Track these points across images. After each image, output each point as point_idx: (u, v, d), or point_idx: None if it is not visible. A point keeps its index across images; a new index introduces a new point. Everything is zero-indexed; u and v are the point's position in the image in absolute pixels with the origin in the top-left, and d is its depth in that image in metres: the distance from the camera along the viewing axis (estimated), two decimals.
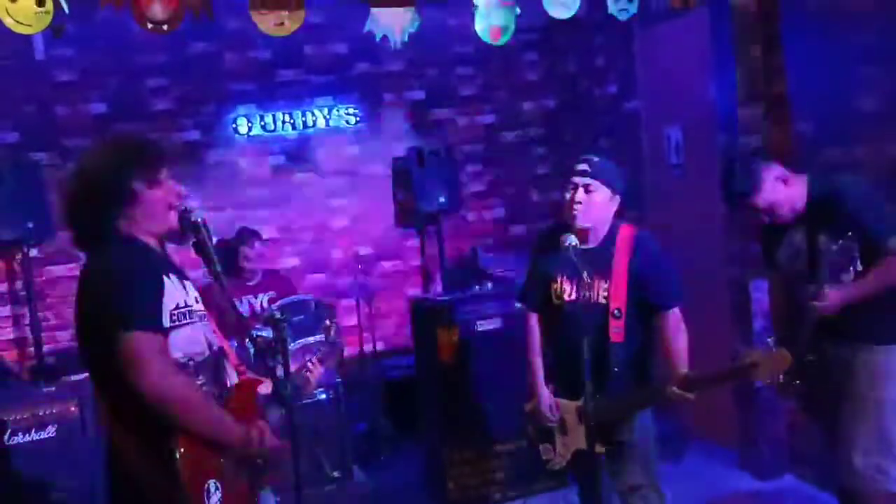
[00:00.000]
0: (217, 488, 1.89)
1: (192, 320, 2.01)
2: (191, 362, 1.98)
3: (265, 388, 2.19)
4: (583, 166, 2.65)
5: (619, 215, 2.74)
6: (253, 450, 1.99)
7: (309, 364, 2.35)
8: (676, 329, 2.63)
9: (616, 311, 2.60)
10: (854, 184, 2.70)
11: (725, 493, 3.80)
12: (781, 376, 2.26)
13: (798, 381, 2.87)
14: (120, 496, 1.95)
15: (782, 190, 2.73)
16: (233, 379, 2.16)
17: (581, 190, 2.62)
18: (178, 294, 1.98)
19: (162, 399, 1.80)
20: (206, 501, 1.86)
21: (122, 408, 1.87)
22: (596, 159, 2.67)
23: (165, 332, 1.90)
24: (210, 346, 2.08)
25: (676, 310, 2.65)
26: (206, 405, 1.92)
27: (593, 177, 2.63)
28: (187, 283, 2.06)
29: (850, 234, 2.38)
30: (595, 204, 2.62)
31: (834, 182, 2.72)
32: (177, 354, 1.93)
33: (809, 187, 2.75)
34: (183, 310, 1.98)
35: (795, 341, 2.82)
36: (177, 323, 1.95)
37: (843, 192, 2.66)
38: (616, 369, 2.60)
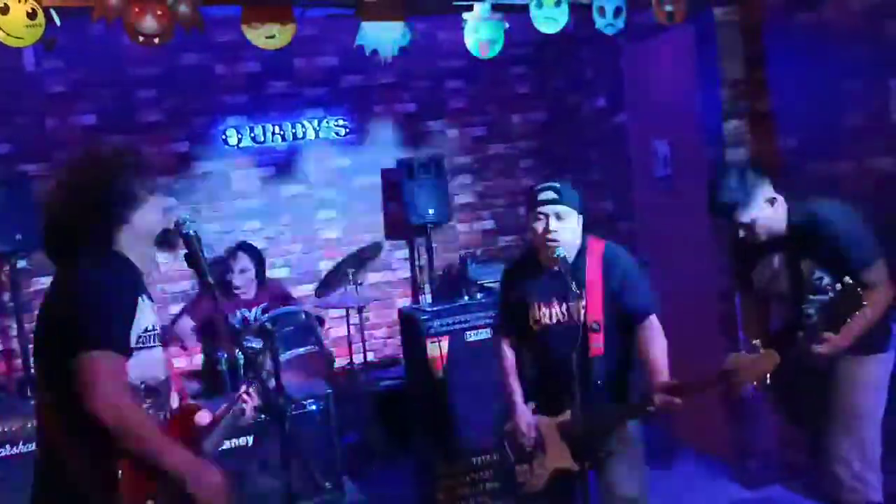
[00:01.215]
0: None
1: (156, 343, 2.02)
2: (143, 385, 1.97)
3: (203, 417, 2.19)
4: (550, 194, 2.61)
5: (585, 230, 2.72)
6: (188, 486, 1.90)
7: (244, 395, 2.28)
8: (654, 338, 2.60)
9: (594, 325, 2.57)
10: (840, 211, 2.74)
11: (714, 501, 3.82)
12: (769, 377, 2.25)
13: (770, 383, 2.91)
14: None
15: (767, 210, 2.77)
16: (174, 404, 2.17)
17: (553, 218, 2.59)
18: (149, 316, 1.98)
19: (111, 421, 1.79)
20: None
21: (72, 421, 1.85)
22: (558, 185, 2.64)
23: (129, 354, 1.89)
24: (165, 370, 2.09)
25: (653, 318, 2.63)
26: (152, 433, 1.89)
27: (562, 203, 2.60)
28: (153, 304, 2.07)
29: (848, 279, 2.38)
30: (568, 229, 2.62)
31: (818, 207, 2.76)
32: (133, 375, 1.92)
33: (791, 209, 2.79)
34: (151, 333, 1.98)
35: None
36: (142, 345, 1.95)
37: (830, 219, 2.70)
38: (598, 382, 2.58)
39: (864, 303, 2.35)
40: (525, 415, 2.74)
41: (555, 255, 2.52)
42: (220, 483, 1.95)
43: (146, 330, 1.96)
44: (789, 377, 2.85)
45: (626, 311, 2.63)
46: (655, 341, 2.60)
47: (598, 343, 2.58)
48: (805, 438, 3.01)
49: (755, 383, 2.29)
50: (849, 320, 2.45)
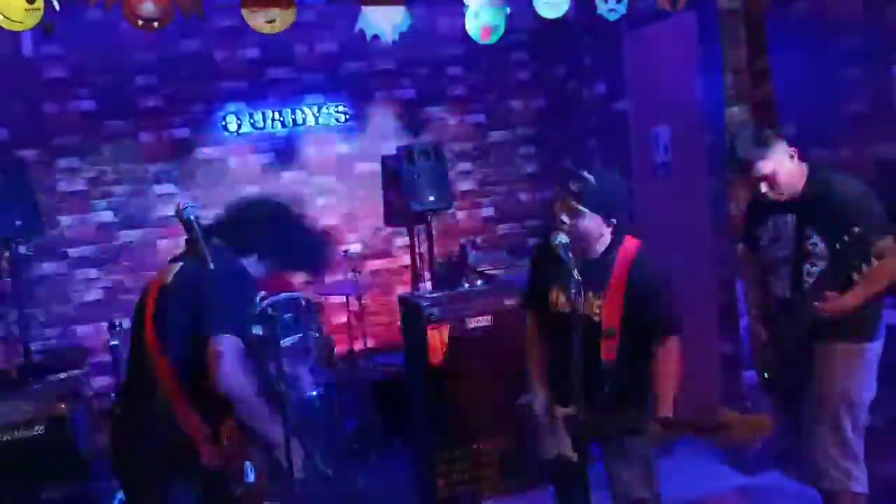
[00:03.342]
0: (252, 469, 2.29)
1: None
2: None
3: None
4: (574, 187, 2.44)
5: (619, 230, 2.55)
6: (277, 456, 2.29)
7: None
8: (667, 359, 2.48)
9: (609, 330, 2.46)
10: (856, 183, 2.73)
11: (713, 488, 3.84)
12: (759, 443, 2.23)
13: (767, 376, 2.92)
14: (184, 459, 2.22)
15: (788, 164, 2.75)
16: None
17: (566, 214, 2.46)
18: None
19: (233, 391, 2.12)
20: (244, 478, 2.28)
21: (200, 392, 2.17)
22: (592, 180, 2.44)
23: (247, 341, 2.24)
24: None
25: (673, 339, 2.50)
26: (262, 406, 2.22)
27: (583, 202, 2.43)
28: None
29: (856, 228, 2.39)
30: (582, 228, 2.47)
31: (834, 177, 2.75)
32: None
33: (809, 175, 2.78)
34: None
35: (781, 335, 2.86)
36: None
37: (846, 186, 2.69)
38: (606, 389, 2.46)
39: (873, 259, 2.36)
40: (542, 397, 2.69)
41: (554, 242, 2.41)
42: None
43: None
44: (779, 360, 2.86)
45: (644, 324, 2.49)
46: (667, 363, 2.48)
47: (610, 348, 2.47)
48: (793, 423, 2.99)
49: (745, 445, 2.25)
50: (854, 276, 2.44)
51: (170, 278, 2.29)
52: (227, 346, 2.10)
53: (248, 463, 2.28)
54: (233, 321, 2.15)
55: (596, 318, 2.48)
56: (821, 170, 2.80)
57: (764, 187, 2.77)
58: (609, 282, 2.48)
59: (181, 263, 2.33)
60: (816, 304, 2.61)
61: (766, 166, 2.73)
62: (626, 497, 2.61)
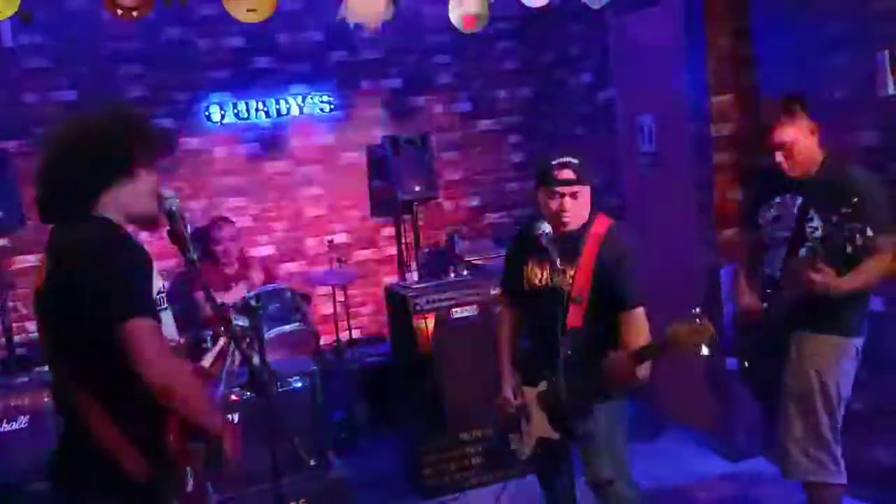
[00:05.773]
0: (191, 475, 1.94)
1: (166, 306, 2.06)
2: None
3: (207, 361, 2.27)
4: (568, 173, 2.56)
5: (594, 204, 2.67)
6: (221, 441, 2.00)
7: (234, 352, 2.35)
8: (635, 330, 2.54)
9: (577, 298, 2.55)
10: (869, 176, 2.74)
11: (699, 474, 3.86)
12: (705, 348, 2.20)
13: (747, 364, 2.92)
14: (92, 480, 1.90)
15: (807, 137, 2.76)
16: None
17: (568, 198, 2.57)
18: (157, 281, 1.99)
19: (168, 384, 1.77)
20: (185, 486, 1.91)
21: (112, 393, 1.82)
22: (576, 161, 2.58)
23: (158, 319, 1.88)
24: (176, 332, 2.12)
25: (638, 310, 2.57)
26: (199, 391, 1.95)
27: (579, 182, 2.57)
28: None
29: (855, 199, 2.40)
30: (581, 206, 2.61)
31: (852, 166, 2.77)
32: None
33: (826, 159, 2.78)
34: (161, 295, 2.02)
35: (769, 315, 2.86)
36: (157, 309, 1.96)
37: (860, 177, 2.70)
38: (569, 352, 2.48)
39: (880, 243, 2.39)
40: (508, 382, 2.76)
41: (538, 232, 2.51)
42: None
43: (158, 293, 1.99)
44: (759, 347, 2.86)
45: (610, 295, 2.57)
46: (635, 334, 2.53)
47: (576, 314, 2.54)
48: (772, 413, 3.00)
49: (692, 353, 2.24)
50: (848, 248, 2.44)
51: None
52: (145, 332, 1.78)
53: (188, 468, 1.95)
54: (136, 299, 1.81)
55: (567, 289, 2.55)
56: (837, 158, 2.79)
57: (779, 157, 2.78)
58: (580, 255, 2.59)
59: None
60: (814, 276, 2.55)
61: (784, 134, 2.75)
62: (593, 478, 2.64)
